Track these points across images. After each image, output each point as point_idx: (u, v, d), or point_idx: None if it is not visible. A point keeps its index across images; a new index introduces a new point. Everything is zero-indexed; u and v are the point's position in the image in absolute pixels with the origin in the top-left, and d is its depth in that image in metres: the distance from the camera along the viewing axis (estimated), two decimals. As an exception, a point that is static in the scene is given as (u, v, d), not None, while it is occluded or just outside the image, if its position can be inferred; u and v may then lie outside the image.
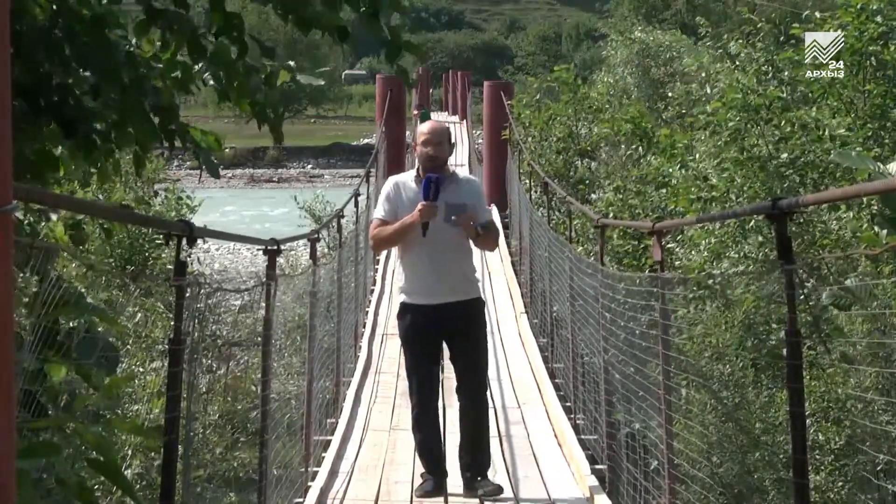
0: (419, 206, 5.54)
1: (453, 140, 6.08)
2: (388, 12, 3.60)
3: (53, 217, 4.09)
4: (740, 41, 12.65)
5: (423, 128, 5.85)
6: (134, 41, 3.76)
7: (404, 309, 5.79)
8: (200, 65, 3.82)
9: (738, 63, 12.08)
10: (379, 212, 5.79)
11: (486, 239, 5.75)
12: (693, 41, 24.99)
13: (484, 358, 5.87)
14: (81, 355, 2.72)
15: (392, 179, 5.92)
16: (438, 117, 30.90)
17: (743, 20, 19.61)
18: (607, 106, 18.56)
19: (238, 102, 3.92)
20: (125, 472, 6.44)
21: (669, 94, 21.95)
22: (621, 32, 28.42)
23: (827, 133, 10.57)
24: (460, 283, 5.73)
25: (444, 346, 5.86)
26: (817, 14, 11.87)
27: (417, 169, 5.79)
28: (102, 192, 12.62)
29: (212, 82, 3.88)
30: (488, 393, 6.26)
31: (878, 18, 10.69)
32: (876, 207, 9.20)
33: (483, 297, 6.00)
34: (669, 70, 24.06)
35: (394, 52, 3.69)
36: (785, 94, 11.09)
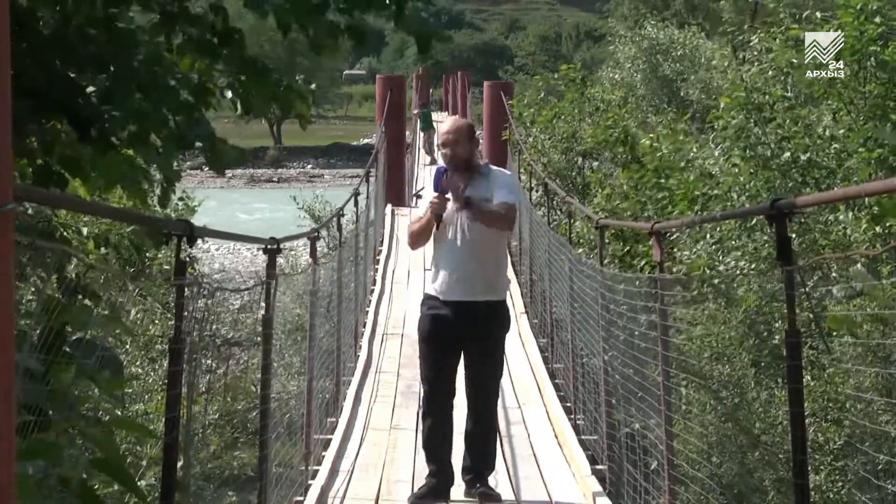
0: (430, 200, 5.58)
1: (480, 131, 6.12)
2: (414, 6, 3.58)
3: (84, 231, 4.10)
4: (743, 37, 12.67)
5: (442, 127, 5.88)
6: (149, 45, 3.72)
7: (426, 298, 5.80)
8: (219, 71, 3.79)
9: (740, 57, 12.11)
10: (416, 211, 5.96)
11: (487, 214, 5.56)
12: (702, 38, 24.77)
13: (500, 365, 5.80)
14: (83, 359, 2.72)
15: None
16: (438, 117, 30.85)
17: (740, 22, 19.64)
18: (614, 108, 18.47)
19: (258, 95, 3.88)
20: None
21: (683, 94, 21.85)
22: (631, 27, 28.27)
23: (828, 133, 10.58)
24: (485, 283, 5.65)
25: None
26: (818, 14, 11.87)
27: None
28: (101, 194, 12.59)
29: (229, 94, 3.85)
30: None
31: (878, 19, 10.69)
32: (877, 209, 9.21)
33: (507, 299, 5.88)
34: (680, 67, 23.83)
35: (425, 44, 3.65)
36: (788, 94, 11.10)
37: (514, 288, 13.50)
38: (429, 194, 5.70)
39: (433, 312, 5.69)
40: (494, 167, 5.96)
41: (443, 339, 5.67)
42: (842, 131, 10.56)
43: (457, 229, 5.61)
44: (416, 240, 5.81)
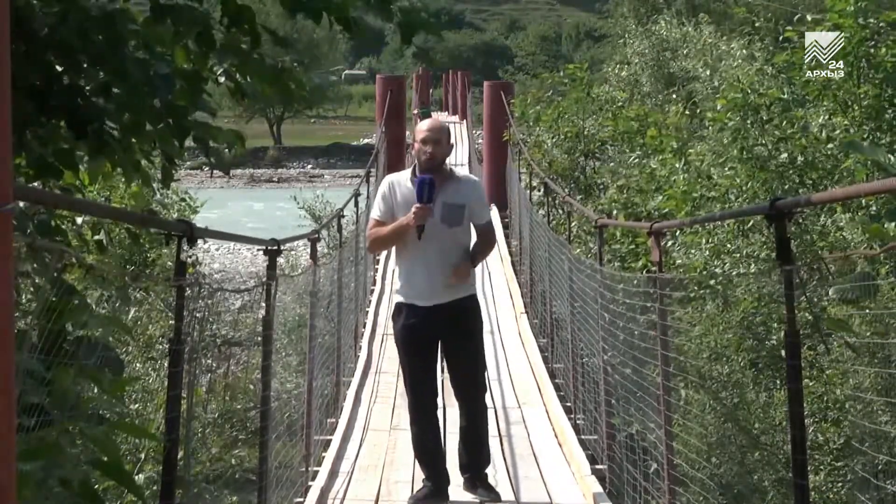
0: (413, 209, 5.45)
1: (452, 140, 5.99)
2: None
3: (78, 220, 4.09)
4: (741, 41, 12.69)
5: (423, 125, 5.74)
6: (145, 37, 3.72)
7: (399, 309, 5.73)
8: (212, 59, 3.78)
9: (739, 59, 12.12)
10: (375, 212, 5.72)
11: (479, 253, 5.76)
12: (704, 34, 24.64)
13: (481, 357, 5.81)
14: (84, 360, 2.72)
15: (388, 179, 5.82)
16: (438, 117, 30.84)
17: (743, 20, 19.62)
18: (620, 103, 18.42)
19: (259, 85, 3.87)
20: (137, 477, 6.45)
21: (681, 87, 21.77)
22: (642, 24, 28.14)
23: (825, 134, 10.59)
24: (455, 284, 5.63)
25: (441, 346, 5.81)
26: (808, 17, 11.89)
27: (413, 167, 5.69)
28: (105, 190, 12.62)
29: (223, 80, 3.83)
30: (488, 393, 6.22)
31: (860, 20, 10.70)
32: (874, 209, 9.22)
33: (476, 292, 5.88)
34: (689, 65, 23.65)
35: (408, 33, 3.59)
36: (785, 95, 11.10)
37: (515, 288, 13.51)
38: (403, 200, 5.57)
39: (412, 322, 5.63)
40: (459, 171, 5.92)
41: (424, 345, 5.66)
42: (837, 132, 10.56)
43: (428, 234, 5.51)
44: (382, 245, 5.84)
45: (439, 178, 5.57)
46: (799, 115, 10.89)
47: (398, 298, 5.74)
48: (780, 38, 12.54)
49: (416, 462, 5.97)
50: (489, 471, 5.93)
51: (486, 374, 5.97)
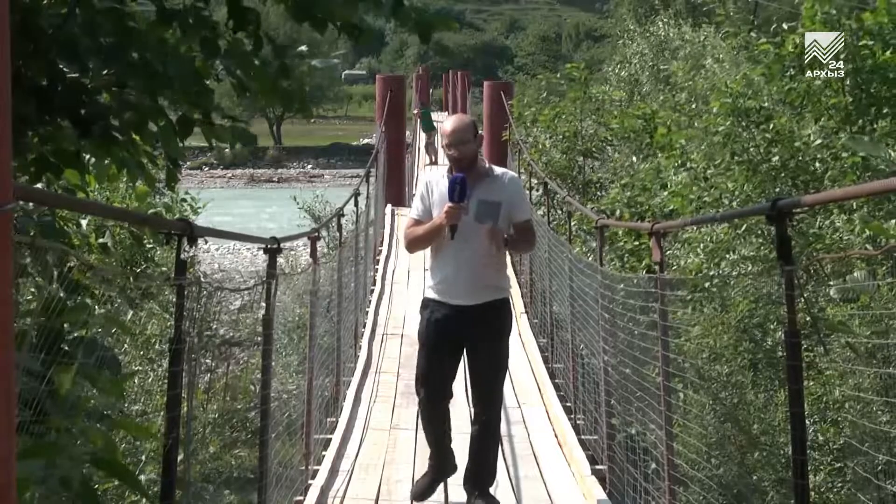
0: (445, 208, 5.35)
1: (480, 130, 5.85)
2: None
3: (83, 223, 4.09)
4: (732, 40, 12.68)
5: (447, 125, 5.60)
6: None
7: (426, 304, 5.63)
8: (217, 63, 3.78)
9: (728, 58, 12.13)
10: (413, 211, 5.64)
11: (518, 243, 5.60)
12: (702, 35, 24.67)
13: (504, 363, 5.65)
14: (83, 359, 2.72)
15: (424, 178, 5.78)
16: (438, 117, 30.84)
17: (744, 19, 19.62)
18: (618, 104, 18.41)
19: (261, 91, 3.87)
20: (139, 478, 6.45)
21: (679, 89, 21.81)
22: (641, 24, 28.20)
23: (812, 139, 10.60)
24: (489, 284, 5.51)
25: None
26: (784, 26, 11.91)
27: (450, 167, 5.60)
28: (105, 190, 12.61)
29: (228, 78, 3.83)
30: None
31: (828, 25, 10.75)
32: (866, 210, 9.23)
33: (509, 296, 5.71)
34: (686, 65, 23.62)
35: (426, 32, 3.61)
36: (766, 104, 11.11)
37: (514, 288, 13.51)
38: (439, 199, 5.47)
39: (437, 317, 5.54)
40: (497, 168, 5.73)
41: (447, 344, 5.55)
42: (818, 142, 10.55)
43: (460, 232, 5.41)
44: (419, 245, 5.67)
45: (473, 176, 5.44)
46: (782, 120, 10.89)
47: (428, 294, 5.64)
48: (755, 47, 12.50)
49: (423, 434, 5.91)
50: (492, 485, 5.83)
51: (503, 384, 5.71)
